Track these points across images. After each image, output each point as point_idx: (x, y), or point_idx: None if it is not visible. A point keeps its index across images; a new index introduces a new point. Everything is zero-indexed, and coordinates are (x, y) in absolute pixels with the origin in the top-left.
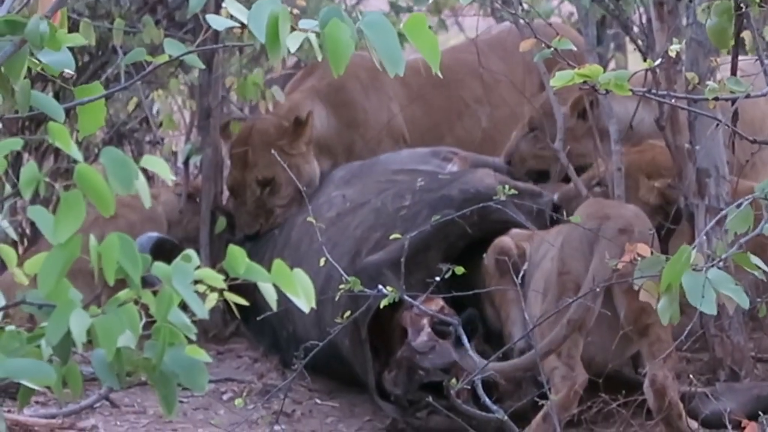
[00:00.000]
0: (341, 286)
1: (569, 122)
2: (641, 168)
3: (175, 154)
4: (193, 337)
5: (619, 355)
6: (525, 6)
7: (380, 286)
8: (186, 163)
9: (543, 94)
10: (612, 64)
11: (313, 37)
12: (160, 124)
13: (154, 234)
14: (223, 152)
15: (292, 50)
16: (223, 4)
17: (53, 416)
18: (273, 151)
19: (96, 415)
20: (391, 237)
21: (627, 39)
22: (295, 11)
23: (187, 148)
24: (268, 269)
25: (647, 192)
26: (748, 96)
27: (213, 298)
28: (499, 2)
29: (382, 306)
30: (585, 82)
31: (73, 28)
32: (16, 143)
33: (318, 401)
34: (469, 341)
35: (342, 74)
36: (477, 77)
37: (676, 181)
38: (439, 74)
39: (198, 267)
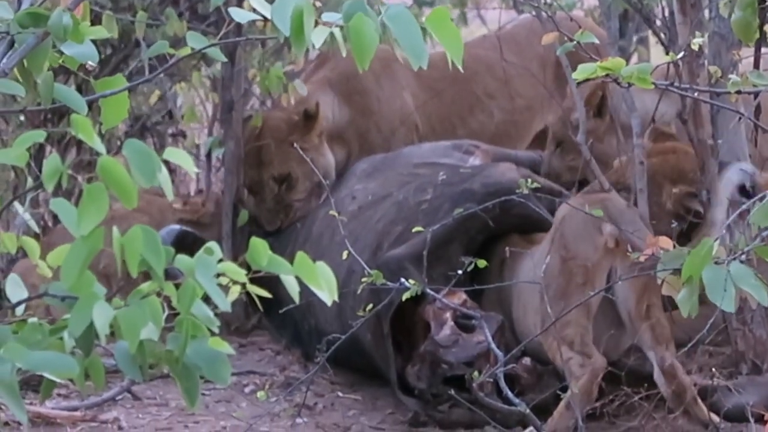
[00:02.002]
0: (363, 279)
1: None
2: (666, 174)
3: (197, 147)
4: (216, 330)
5: (614, 347)
6: None
7: (402, 280)
8: (208, 156)
9: (560, 104)
10: (634, 58)
11: (337, 31)
12: (183, 117)
13: (176, 227)
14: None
15: (317, 46)
16: None
17: (75, 409)
18: (295, 145)
19: (118, 408)
20: (414, 230)
21: (649, 32)
22: (317, 3)
23: (210, 141)
24: (290, 263)
25: (667, 197)
26: None
27: (235, 291)
28: None
29: (404, 299)
30: (607, 75)
31: (96, 20)
32: (39, 135)
33: (340, 394)
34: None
35: (352, 65)
36: (490, 72)
37: (697, 189)
38: (460, 68)
39: (220, 260)
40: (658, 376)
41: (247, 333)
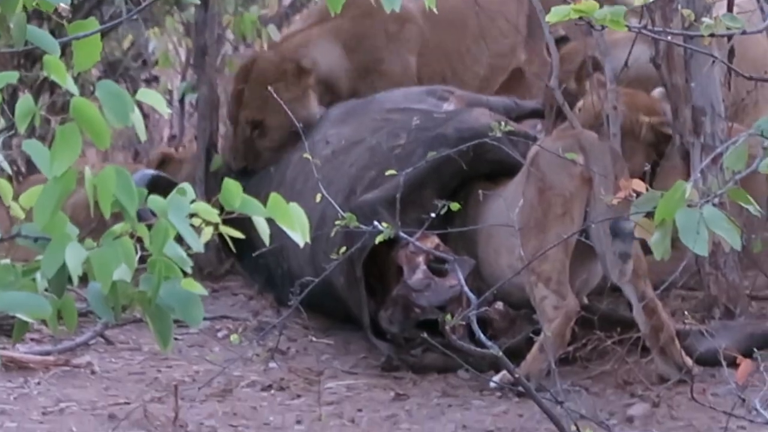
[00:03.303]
0: (337, 223)
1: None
2: (638, 108)
3: (171, 92)
4: (189, 271)
5: (584, 283)
6: None
7: (375, 223)
8: (182, 101)
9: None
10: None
11: None
12: (156, 63)
13: (149, 171)
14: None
15: None
16: None
17: (48, 353)
18: (269, 89)
19: (91, 352)
20: (387, 173)
21: None
22: None
23: (183, 86)
24: (264, 206)
25: (641, 128)
26: (744, 33)
27: (208, 232)
28: None
29: (377, 243)
30: (581, 18)
31: None
32: (11, 76)
33: (313, 339)
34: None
35: (371, 22)
36: (475, 16)
37: (671, 120)
38: (435, 10)
39: (193, 201)
40: (637, 311)
41: (220, 278)
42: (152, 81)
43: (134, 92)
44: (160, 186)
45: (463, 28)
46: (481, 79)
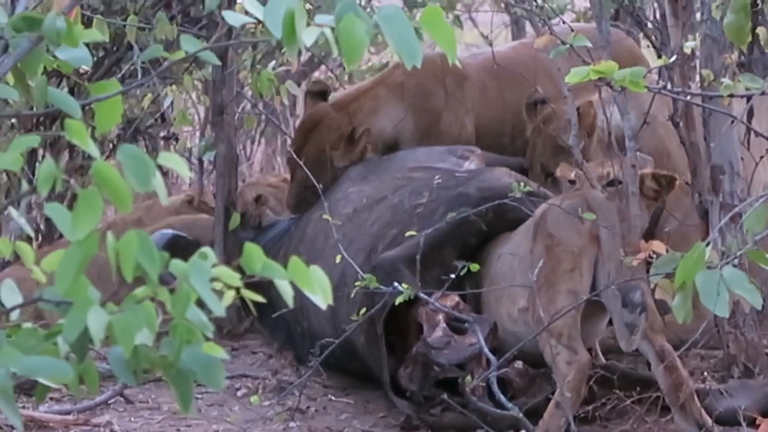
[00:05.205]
0: (357, 283)
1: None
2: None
3: (189, 150)
4: (210, 335)
5: (591, 335)
6: (539, 1)
7: (396, 283)
8: (200, 159)
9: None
10: None
11: (328, 32)
12: (174, 120)
13: (169, 231)
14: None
15: (308, 44)
16: (239, 0)
17: (68, 412)
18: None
19: (110, 412)
20: (407, 234)
21: (641, 35)
22: (308, 6)
23: (202, 145)
24: (284, 265)
25: (643, 181)
26: (763, 93)
27: (229, 296)
28: None
29: (397, 303)
30: (600, 78)
31: (87, 25)
32: (32, 140)
33: (332, 398)
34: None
35: (430, 78)
36: (541, 78)
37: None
38: (458, 64)
39: (215, 264)
40: (656, 367)
41: (239, 336)
42: (171, 138)
43: (153, 150)
44: (179, 245)
45: (523, 83)
46: None
